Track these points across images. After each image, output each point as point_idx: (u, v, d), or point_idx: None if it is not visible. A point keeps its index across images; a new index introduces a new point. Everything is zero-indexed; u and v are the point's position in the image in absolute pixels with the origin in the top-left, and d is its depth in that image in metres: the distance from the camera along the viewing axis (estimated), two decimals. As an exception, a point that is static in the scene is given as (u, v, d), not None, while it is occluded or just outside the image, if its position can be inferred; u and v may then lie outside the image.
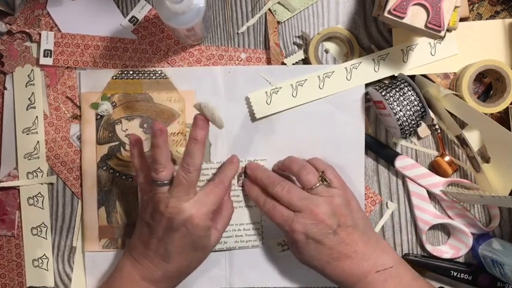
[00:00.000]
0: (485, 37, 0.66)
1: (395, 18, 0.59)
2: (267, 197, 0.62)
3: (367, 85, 0.66)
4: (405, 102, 0.62)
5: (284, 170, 0.64)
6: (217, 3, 0.67)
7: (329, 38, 0.67)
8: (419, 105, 0.62)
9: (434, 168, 0.67)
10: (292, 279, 0.68)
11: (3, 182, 0.67)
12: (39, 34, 0.67)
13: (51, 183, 0.68)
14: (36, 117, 0.67)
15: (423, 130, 0.67)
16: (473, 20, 0.67)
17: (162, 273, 0.59)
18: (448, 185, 0.67)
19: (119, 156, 0.67)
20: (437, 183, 0.66)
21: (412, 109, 0.62)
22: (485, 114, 0.62)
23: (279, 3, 0.67)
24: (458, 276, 0.66)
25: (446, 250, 0.67)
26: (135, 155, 0.61)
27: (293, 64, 0.67)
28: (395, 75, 0.66)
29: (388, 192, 0.68)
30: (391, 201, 0.68)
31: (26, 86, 0.67)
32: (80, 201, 0.67)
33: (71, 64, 0.67)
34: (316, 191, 0.60)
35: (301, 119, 0.66)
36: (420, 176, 0.66)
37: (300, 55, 0.67)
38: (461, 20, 0.65)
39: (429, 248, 0.67)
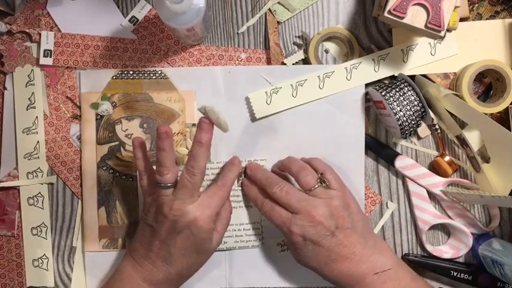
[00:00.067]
0: (485, 37, 0.66)
1: (395, 18, 0.59)
2: (266, 198, 0.62)
3: (367, 85, 0.66)
4: (405, 102, 0.62)
5: (283, 170, 0.64)
6: (217, 3, 0.67)
7: (329, 38, 0.67)
8: (419, 105, 0.62)
9: (434, 168, 0.67)
10: (292, 279, 0.68)
11: (3, 182, 0.67)
12: (39, 34, 0.67)
13: (51, 183, 0.68)
14: (36, 117, 0.67)
15: (423, 130, 0.67)
16: (473, 20, 0.67)
17: (164, 276, 0.59)
18: (448, 185, 0.67)
19: (118, 156, 0.67)
20: (437, 183, 0.66)
21: (412, 109, 0.62)
22: (485, 114, 0.62)
23: (279, 3, 0.67)
24: (458, 276, 0.66)
25: (446, 250, 0.67)
26: (139, 158, 0.61)
27: (293, 64, 0.67)
28: (395, 75, 0.66)
29: (388, 192, 0.68)
30: (391, 201, 0.68)
31: (26, 86, 0.67)
32: (80, 201, 0.67)
33: (71, 64, 0.67)
34: (315, 193, 0.60)
35: (301, 119, 0.66)
36: (420, 176, 0.66)
37: (300, 55, 0.67)
38: (461, 20, 0.65)
39: (429, 248, 0.67)
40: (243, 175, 0.66)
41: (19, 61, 0.67)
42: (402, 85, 0.62)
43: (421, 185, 0.67)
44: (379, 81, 0.67)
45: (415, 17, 0.59)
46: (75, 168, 0.67)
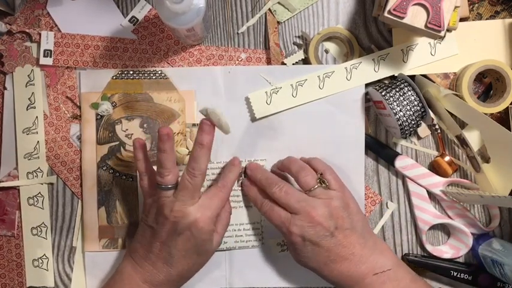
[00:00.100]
0: (485, 37, 0.66)
1: (395, 18, 0.59)
2: (265, 198, 0.62)
3: (367, 85, 0.66)
4: (405, 102, 0.62)
5: (283, 170, 0.64)
6: (217, 3, 0.67)
7: (329, 38, 0.67)
8: (419, 105, 0.62)
9: (434, 168, 0.67)
10: (292, 279, 0.68)
11: (3, 182, 0.67)
12: (39, 34, 0.67)
13: (51, 183, 0.68)
14: (36, 117, 0.67)
15: (423, 130, 0.67)
16: (473, 20, 0.67)
17: (164, 277, 0.59)
18: (448, 185, 0.67)
19: (119, 156, 0.67)
20: (437, 183, 0.66)
21: (412, 109, 0.62)
22: (485, 114, 0.62)
23: (279, 3, 0.67)
24: (458, 276, 0.66)
25: (446, 250, 0.67)
26: (140, 159, 0.61)
27: (293, 64, 0.67)
28: (395, 75, 0.66)
29: (388, 192, 0.68)
30: (391, 201, 0.68)
31: (26, 86, 0.67)
32: (80, 201, 0.67)
33: (71, 64, 0.67)
34: (314, 193, 0.59)
35: (301, 119, 0.66)
36: (420, 176, 0.66)
37: (300, 55, 0.67)
38: (461, 20, 0.65)
39: (429, 248, 0.67)
40: (243, 175, 0.66)
41: (19, 61, 0.67)
42: (402, 85, 0.62)
43: (421, 185, 0.67)
44: (379, 81, 0.67)
45: (415, 17, 0.59)
46: (75, 168, 0.67)
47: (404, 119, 0.62)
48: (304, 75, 0.66)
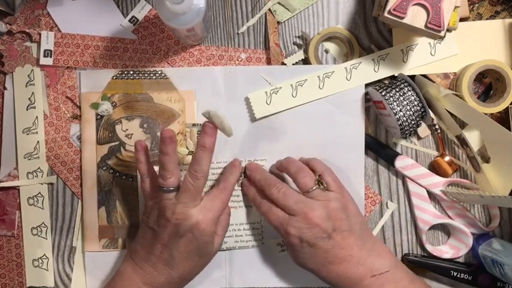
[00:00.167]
0: (485, 37, 0.66)
1: (395, 18, 0.59)
2: (264, 199, 0.62)
3: (367, 85, 0.66)
4: (405, 102, 0.62)
5: (282, 170, 0.64)
6: (217, 3, 0.67)
7: (329, 38, 0.67)
8: (419, 105, 0.62)
9: (434, 168, 0.67)
10: (292, 280, 0.68)
11: (3, 182, 0.67)
12: (39, 34, 0.67)
13: (51, 183, 0.68)
14: (36, 117, 0.67)
15: (423, 130, 0.67)
16: (473, 20, 0.67)
17: (165, 279, 0.59)
18: (448, 185, 0.67)
19: (119, 156, 0.67)
20: (437, 183, 0.66)
21: (412, 109, 0.62)
22: (485, 114, 0.62)
23: (279, 3, 0.67)
24: (458, 276, 0.66)
25: (446, 250, 0.67)
26: (142, 162, 0.62)
27: (293, 64, 0.67)
28: (395, 75, 0.66)
29: (388, 192, 0.68)
30: (391, 201, 0.68)
31: (26, 86, 0.67)
32: (80, 201, 0.67)
33: (71, 64, 0.67)
34: (313, 195, 0.59)
35: (301, 119, 0.66)
36: (420, 176, 0.66)
37: (300, 55, 0.67)
38: (461, 20, 0.65)
39: (429, 248, 0.67)
40: (242, 175, 0.66)
41: (19, 61, 0.67)
42: (402, 85, 0.62)
43: (421, 185, 0.67)
44: (379, 81, 0.67)
45: (415, 17, 0.59)
46: (75, 168, 0.67)
47: (404, 119, 0.62)
48: (304, 75, 0.66)
